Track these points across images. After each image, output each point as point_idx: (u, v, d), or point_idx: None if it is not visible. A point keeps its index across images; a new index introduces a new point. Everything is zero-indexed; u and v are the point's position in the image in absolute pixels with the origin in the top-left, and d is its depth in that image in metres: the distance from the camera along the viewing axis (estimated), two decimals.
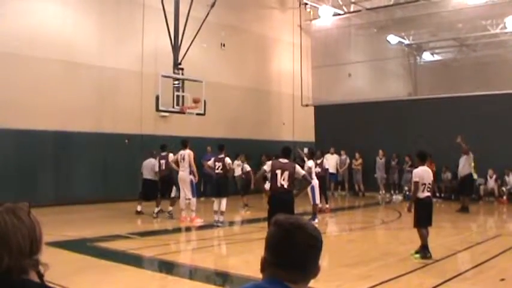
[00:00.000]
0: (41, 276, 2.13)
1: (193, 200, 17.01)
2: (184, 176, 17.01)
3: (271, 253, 2.18)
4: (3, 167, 19.27)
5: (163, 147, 18.58)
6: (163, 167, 18.15)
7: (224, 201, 16.38)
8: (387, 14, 29.15)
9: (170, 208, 17.90)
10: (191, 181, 17.12)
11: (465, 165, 20.14)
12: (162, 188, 18.48)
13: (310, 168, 16.95)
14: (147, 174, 18.82)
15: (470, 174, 20.45)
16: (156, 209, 17.92)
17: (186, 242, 14.75)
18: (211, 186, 18.22)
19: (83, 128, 21.43)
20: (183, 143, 17.28)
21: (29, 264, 2.08)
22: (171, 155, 18.03)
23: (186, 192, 17.04)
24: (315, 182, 16.91)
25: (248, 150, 24.35)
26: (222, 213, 16.23)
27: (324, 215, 18.85)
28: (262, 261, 2.20)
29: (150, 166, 18.74)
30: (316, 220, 16.24)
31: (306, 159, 19.11)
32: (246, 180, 21.48)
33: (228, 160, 16.84)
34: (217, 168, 16.76)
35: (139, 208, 18.61)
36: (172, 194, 18.39)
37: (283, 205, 10.04)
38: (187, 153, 17.07)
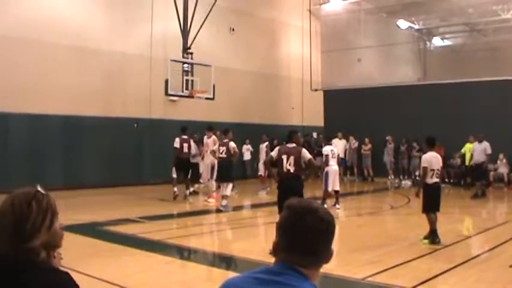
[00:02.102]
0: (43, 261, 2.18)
1: None
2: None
3: (282, 237, 2.18)
4: (14, 151, 19.40)
5: (184, 129, 18.59)
6: (186, 150, 18.31)
7: (228, 185, 16.39)
8: None
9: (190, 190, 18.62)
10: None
11: (480, 152, 20.13)
12: (184, 169, 18.62)
13: (327, 156, 16.75)
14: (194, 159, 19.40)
15: (484, 161, 20.47)
16: (188, 191, 18.43)
17: (195, 226, 14.76)
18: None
19: (92, 112, 21.47)
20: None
21: (23, 250, 2.14)
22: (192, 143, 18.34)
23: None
24: (331, 168, 16.69)
25: (257, 135, 24.36)
26: (225, 197, 16.22)
27: (332, 200, 18.84)
28: (274, 245, 2.20)
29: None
30: (325, 205, 16.18)
31: (323, 145, 19.07)
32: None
33: (232, 144, 16.73)
34: (221, 153, 16.74)
35: (191, 189, 19.21)
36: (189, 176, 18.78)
37: (290, 190, 9.99)
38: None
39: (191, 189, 19.28)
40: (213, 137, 18.15)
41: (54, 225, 2.24)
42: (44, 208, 2.22)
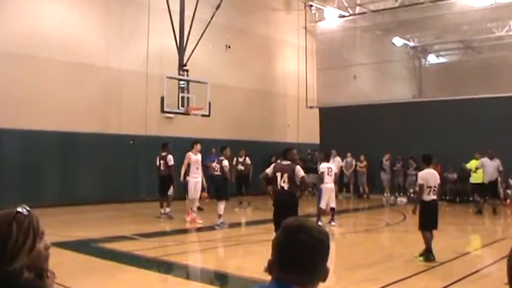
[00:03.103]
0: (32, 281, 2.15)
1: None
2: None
3: (276, 255, 2.18)
4: (9, 167, 19.34)
5: (164, 146, 18.45)
6: (163, 167, 18.11)
7: (221, 204, 16.28)
8: (392, 16, 29.07)
9: (168, 209, 17.93)
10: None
11: (494, 169, 20.23)
12: (160, 187, 18.28)
13: (322, 173, 16.75)
14: None
15: (497, 178, 20.55)
16: (167, 209, 17.93)
17: (190, 243, 14.73)
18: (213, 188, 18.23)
19: (88, 128, 21.47)
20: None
21: (5, 273, 2.10)
22: (170, 156, 17.98)
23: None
24: (327, 186, 16.68)
25: (253, 152, 24.34)
26: (219, 216, 16.13)
27: (328, 217, 18.80)
28: (270, 263, 2.19)
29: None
30: (320, 223, 16.20)
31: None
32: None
33: (224, 163, 16.74)
34: (217, 170, 16.81)
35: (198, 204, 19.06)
36: (169, 193, 18.15)
37: (285, 207, 10.01)
38: (187, 155, 17.22)
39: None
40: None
41: (36, 246, 2.19)
42: (25, 229, 2.16)
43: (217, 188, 16.96)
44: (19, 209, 2.20)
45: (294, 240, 2.14)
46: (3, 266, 2.09)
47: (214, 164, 17.23)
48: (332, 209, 16.99)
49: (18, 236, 2.14)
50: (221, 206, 16.22)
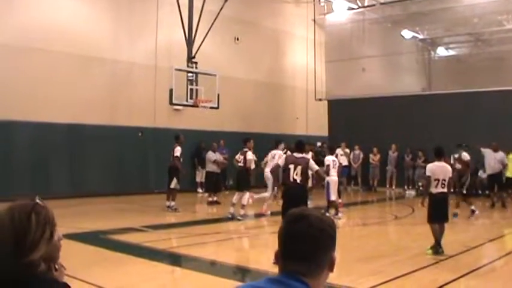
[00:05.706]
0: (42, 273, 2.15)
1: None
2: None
3: (280, 246, 2.18)
4: (19, 159, 19.43)
5: (175, 138, 18.29)
6: (171, 158, 18.02)
7: (245, 195, 16.49)
8: (402, 8, 28.98)
9: (173, 203, 17.84)
10: None
11: (498, 162, 20.17)
12: (169, 178, 18.17)
13: (328, 166, 16.81)
14: (209, 167, 20.07)
15: (501, 172, 20.49)
16: (172, 203, 17.83)
17: (199, 235, 14.75)
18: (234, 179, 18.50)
19: (97, 120, 21.52)
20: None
21: (23, 265, 2.09)
22: (177, 148, 17.92)
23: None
24: (332, 179, 16.75)
25: (261, 144, 24.33)
26: (242, 206, 16.36)
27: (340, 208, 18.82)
28: (276, 255, 2.19)
29: (212, 159, 20.10)
30: (340, 215, 16.88)
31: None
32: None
33: (249, 155, 16.84)
34: (240, 162, 16.89)
35: (210, 199, 19.86)
36: (172, 185, 17.90)
37: (295, 199, 10.01)
38: (278, 153, 17.90)
39: (214, 198, 19.74)
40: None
41: (53, 237, 2.19)
42: (43, 221, 2.16)
43: (239, 179, 17.05)
44: (37, 200, 2.21)
45: (293, 230, 2.14)
46: (22, 258, 2.10)
47: (238, 156, 17.29)
48: (333, 202, 17.18)
49: (37, 227, 2.14)
50: (245, 197, 16.42)
